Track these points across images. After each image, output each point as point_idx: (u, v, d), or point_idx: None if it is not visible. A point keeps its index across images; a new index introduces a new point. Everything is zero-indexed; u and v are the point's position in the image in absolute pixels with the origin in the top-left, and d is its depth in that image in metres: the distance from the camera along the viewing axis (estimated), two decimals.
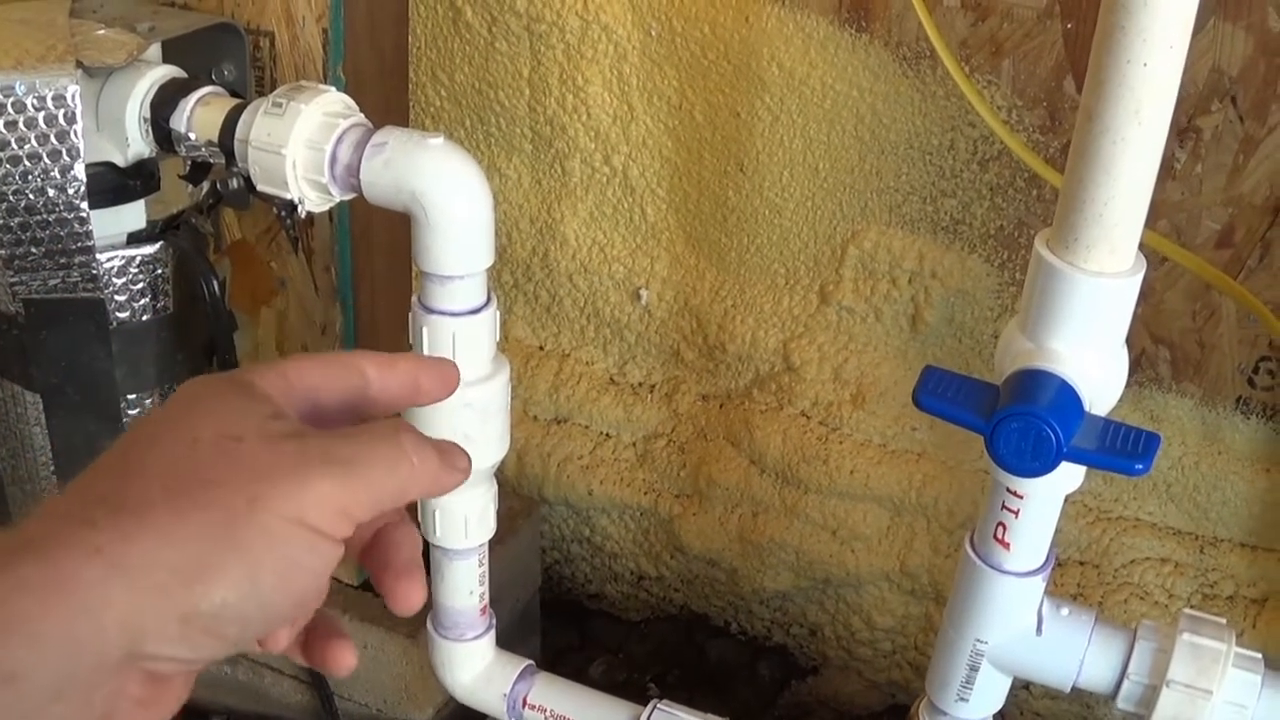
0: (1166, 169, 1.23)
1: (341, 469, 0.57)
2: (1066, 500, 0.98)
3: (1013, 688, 1.47)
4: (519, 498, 1.78)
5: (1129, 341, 0.93)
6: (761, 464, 1.66)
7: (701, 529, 1.72)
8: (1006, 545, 0.97)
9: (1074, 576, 1.55)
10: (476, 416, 1.10)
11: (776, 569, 1.70)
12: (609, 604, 1.90)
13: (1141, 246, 0.89)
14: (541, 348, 1.79)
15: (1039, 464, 0.84)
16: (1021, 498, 0.95)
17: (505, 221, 1.71)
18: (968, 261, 1.48)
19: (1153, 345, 1.42)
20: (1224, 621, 1.01)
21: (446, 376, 0.69)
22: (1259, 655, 1.00)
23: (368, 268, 1.43)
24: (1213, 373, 1.43)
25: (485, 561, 1.25)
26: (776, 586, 1.71)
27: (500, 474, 1.73)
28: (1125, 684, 1.00)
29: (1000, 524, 0.97)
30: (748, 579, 1.72)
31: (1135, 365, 1.41)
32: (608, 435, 1.77)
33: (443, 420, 1.09)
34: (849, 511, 1.63)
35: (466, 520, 1.19)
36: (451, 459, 0.63)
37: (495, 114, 1.65)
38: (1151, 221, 0.89)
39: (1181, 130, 1.29)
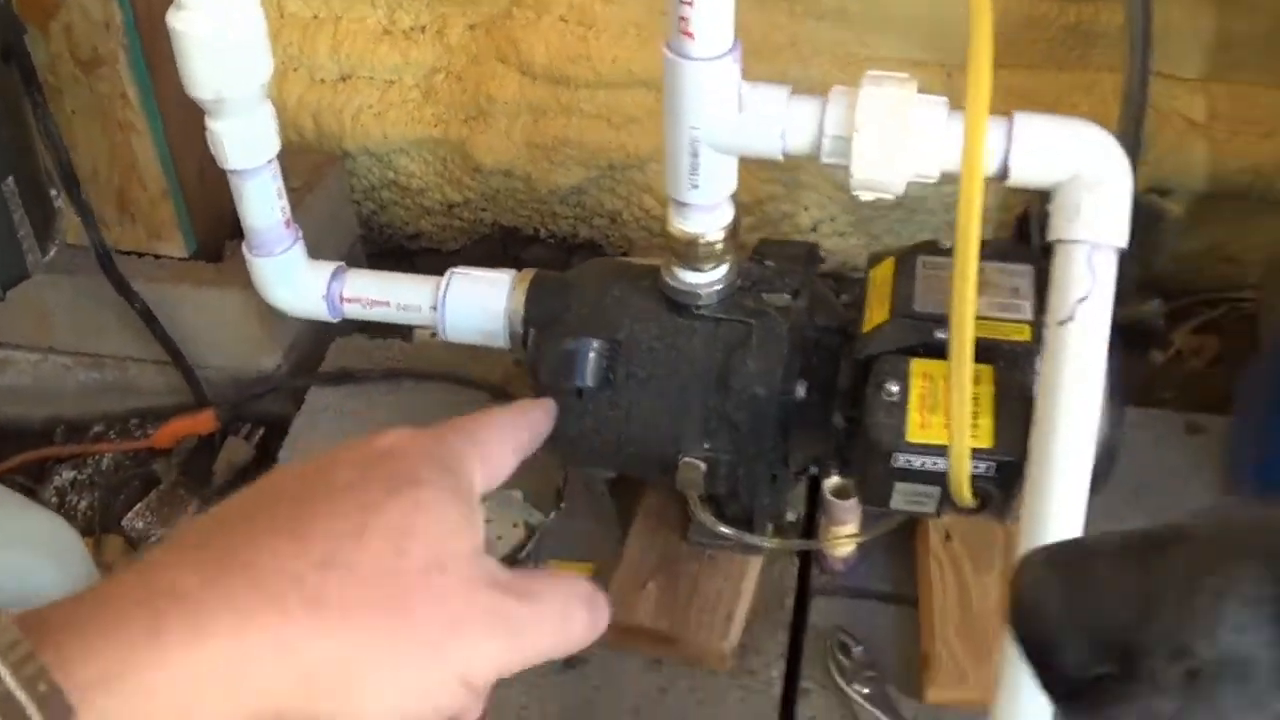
0: None
1: (514, 635, 0.62)
2: None
3: None
4: (321, 152, 1.91)
5: None
6: (532, 73, 1.79)
7: (491, 144, 1.86)
8: (691, 35, 1.10)
9: None
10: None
11: (565, 165, 1.84)
12: (428, 239, 2.04)
13: None
14: (315, 16, 1.89)
15: None
16: None
17: None
18: None
19: None
20: (906, 76, 1.15)
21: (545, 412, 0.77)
22: (944, 98, 1.14)
23: None
24: None
25: (279, 176, 1.37)
26: (569, 182, 1.86)
27: (300, 137, 1.86)
28: (825, 141, 1.14)
29: (681, 17, 1.09)
30: (542, 180, 1.87)
31: None
32: (391, 81, 1.89)
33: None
34: (618, 99, 1.76)
35: (254, 139, 1.32)
36: (599, 618, 0.67)
37: None
38: None
39: None
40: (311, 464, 0.64)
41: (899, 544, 1.49)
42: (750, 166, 1.70)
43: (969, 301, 1.05)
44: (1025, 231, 1.50)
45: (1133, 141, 1.65)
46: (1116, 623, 0.57)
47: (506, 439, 0.71)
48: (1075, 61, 1.71)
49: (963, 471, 1.13)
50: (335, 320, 1.46)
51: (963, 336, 1.06)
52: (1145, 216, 1.77)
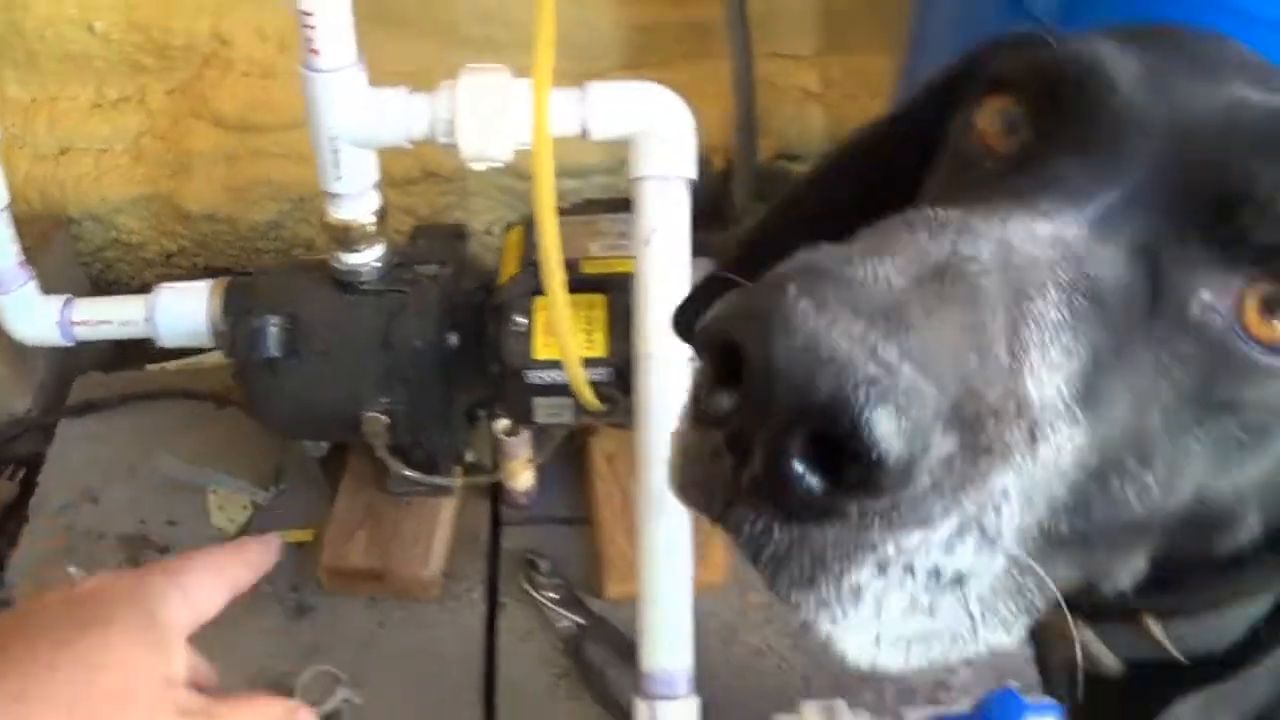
0: None
1: None
2: None
3: None
4: (49, 218, 2.11)
5: None
6: (224, 125, 2.03)
7: (195, 193, 2.09)
8: (317, 52, 1.34)
9: None
10: None
11: (261, 202, 2.09)
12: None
13: None
14: (34, 100, 2.10)
15: None
16: (312, 14, 1.32)
17: None
18: None
19: None
20: (500, 66, 1.39)
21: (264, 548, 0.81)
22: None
23: None
24: None
25: (11, 224, 1.57)
26: (266, 217, 2.11)
27: (29, 207, 2.07)
28: (439, 125, 1.37)
29: (308, 38, 1.33)
30: (243, 219, 2.12)
31: None
32: (104, 150, 2.11)
33: None
34: (300, 137, 1.93)
35: None
36: None
37: None
38: None
39: None
40: (22, 609, 0.70)
41: (572, 478, 1.76)
42: (427, 183, 1.96)
43: (551, 235, 1.30)
44: None
45: (747, 116, 1.94)
46: (956, 378, 0.44)
47: (214, 575, 0.75)
48: (698, 53, 1.99)
49: (579, 377, 1.39)
50: (70, 344, 1.66)
51: (550, 263, 1.31)
52: (777, 182, 2.05)
